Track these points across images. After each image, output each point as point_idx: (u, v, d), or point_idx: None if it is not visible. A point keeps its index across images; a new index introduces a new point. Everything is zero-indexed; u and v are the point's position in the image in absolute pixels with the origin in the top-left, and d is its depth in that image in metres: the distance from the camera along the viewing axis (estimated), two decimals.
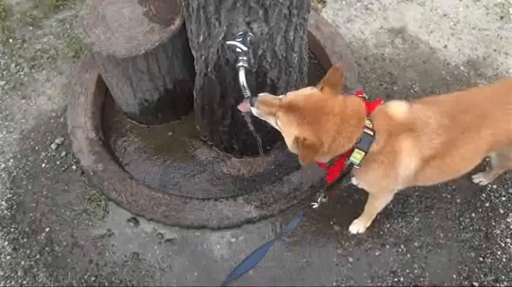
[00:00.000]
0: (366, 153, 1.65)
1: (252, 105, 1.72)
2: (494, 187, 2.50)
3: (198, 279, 2.31)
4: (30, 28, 3.20)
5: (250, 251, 2.33)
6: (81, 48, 3.03)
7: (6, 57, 3.07)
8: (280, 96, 1.70)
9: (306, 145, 1.57)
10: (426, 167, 1.73)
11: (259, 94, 1.73)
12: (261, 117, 1.76)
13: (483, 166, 2.45)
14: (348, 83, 2.76)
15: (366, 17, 3.17)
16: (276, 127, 1.70)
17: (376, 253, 2.33)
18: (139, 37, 2.24)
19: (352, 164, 1.68)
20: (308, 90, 1.67)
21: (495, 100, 1.79)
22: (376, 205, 2.19)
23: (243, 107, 1.85)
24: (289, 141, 1.66)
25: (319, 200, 1.89)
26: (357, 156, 1.66)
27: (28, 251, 2.42)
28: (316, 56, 2.99)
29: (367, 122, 1.65)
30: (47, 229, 2.47)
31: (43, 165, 2.66)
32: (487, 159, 2.37)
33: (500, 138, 1.79)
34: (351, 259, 2.32)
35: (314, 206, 1.89)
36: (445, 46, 3.02)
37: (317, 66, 2.94)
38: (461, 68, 2.94)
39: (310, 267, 2.30)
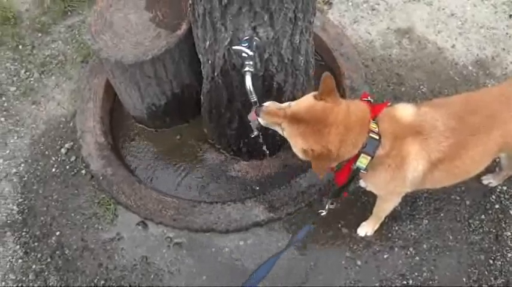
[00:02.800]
0: (372, 157, 1.65)
1: (257, 115, 1.73)
2: (504, 188, 2.47)
3: (207, 282, 2.32)
4: (39, 34, 3.24)
5: (258, 254, 2.35)
6: (89, 54, 3.06)
7: (16, 64, 3.11)
8: (285, 104, 1.71)
9: (316, 156, 1.58)
10: (434, 170, 1.72)
11: (264, 104, 1.74)
12: (267, 127, 1.77)
13: (493, 167, 2.42)
14: (355, 85, 2.75)
15: (373, 17, 3.16)
16: (283, 135, 1.71)
17: (385, 256, 2.32)
18: (146, 43, 2.26)
19: (359, 169, 1.68)
20: (310, 100, 1.66)
21: (504, 101, 1.78)
22: (384, 207, 2.18)
23: (252, 116, 1.86)
24: (296, 149, 1.68)
25: (327, 207, 1.89)
26: (363, 161, 1.66)
27: (39, 255, 2.45)
28: (323, 58, 2.99)
29: (373, 126, 1.65)
30: (58, 233, 2.50)
31: (53, 169, 2.70)
32: (497, 160, 2.35)
33: (510, 139, 1.78)
34: (359, 262, 2.31)
35: (322, 214, 1.89)
36: (453, 46, 3.00)
37: (324, 68, 2.93)
38: (470, 67, 2.91)
39: (319, 270, 2.30)
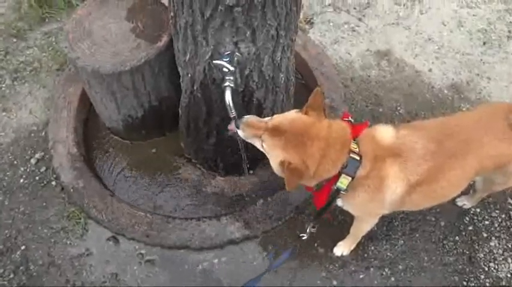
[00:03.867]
0: (353, 178, 1.64)
1: (237, 127, 1.70)
2: (478, 210, 2.51)
3: None
4: (14, 40, 3.14)
5: (233, 272, 2.29)
6: (65, 62, 2.98)
7: None
8: (266, 119, 1.69)
9: (290, 169, 1.55)
10: (413, 192, 1.73)
11: (244, 116, 1.72)
12: (246, 140, 1.74)
13: (467, 189, 2.46)
14: (334, 104, 2.77)
15: (353, 38, 3.21)
16: (262, 149, 1.68)
17: (361, 276, 2.31)
18: (125, 53, 2.21)
19: (339, 190, 1.67)
20: (294, 114, 1.67)
21: (480, 126, 1.81)
22: (361, 228, 2.17)
23: (231, 127, 1.83)
24: (274, 164, 1.64)
25: (308, 230, 1.86)
26: (343, 181, 1.64)
27: (1, 270, 2.32)
28: (303, 77, 3.00)
29: (354, 147, 1.65)
30: (23, 247, 2.38)
31: (21, 180, 2.58)
32: (471, 182, 2.38)
33: (486, 163, 1.80)
34: (335, 282, 2.28)
35: (303, 237, 1.86)
36: (430, 69, 3.07)
37: (304, 87, 2.94)
38: (445, 91, 2.98)
39: None
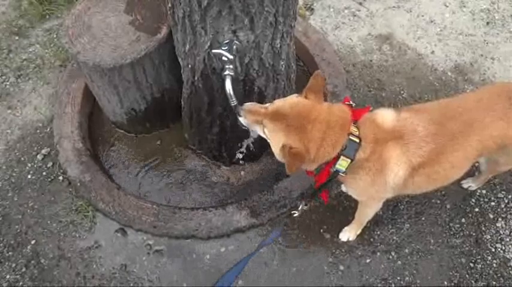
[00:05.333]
0: (352, 160, 1.65)
1: (238, 114, 1.71)
2: (484, 191, 2.50)
3: None
4: (16, 38, 3.16)
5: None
6: (67, 58, 3.00)
7: None
8: (267, 104, 1.70)
9: (292, 153, 1.56)
10: (415, 175, 1.73)
11: (245, 103, 1.73)
12: (248, 127, 1.75)
13: (472, 171, 2.45)
14: (337, 90, 2.76)
15: (354, 23, 3.18)
16: (263, 136, 1.69)
17: (367, 261, 2.32)
18: (125, 46, 2.22)
19: (337, 172, 1.67)
20: (294, 98, 1.67)
21: (482, 107, 1.79)
22: (366, 213, 2.18)
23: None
24: (276, 149, 1.65)
25: (300, 208, 1.87)
26: (342, 163, 1.65)
27: (13, 265, 2.37)
28: (305, 63, 2.99)
29: (354, 130, 1.65)
30: (33, 242, 2.42)
31: (29, 176, 2.62)
32: (476, 164, 2.37)
33: (488, 144, 1.79)
34: (341, 267, 2.30)
35: (295, 215, 1.87)
36: (433, 52, 3.04)
37: (305, 74, 2.93)
38: (449, 73, 2.95)
39: (301, 275, 2.28)
